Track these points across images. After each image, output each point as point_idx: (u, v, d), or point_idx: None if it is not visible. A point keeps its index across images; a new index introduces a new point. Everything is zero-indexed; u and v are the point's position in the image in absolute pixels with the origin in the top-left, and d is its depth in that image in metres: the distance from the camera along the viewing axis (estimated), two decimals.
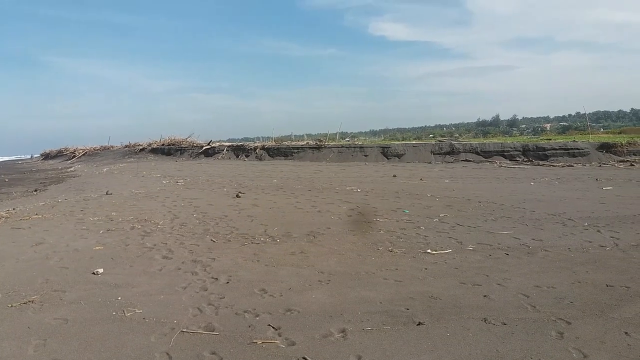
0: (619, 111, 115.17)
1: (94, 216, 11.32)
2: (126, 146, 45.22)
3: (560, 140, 30.51)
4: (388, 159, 30.25)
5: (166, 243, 8.38)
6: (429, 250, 7.60)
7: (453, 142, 32.73)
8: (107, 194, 15.83)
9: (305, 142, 38.05)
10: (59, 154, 52.64)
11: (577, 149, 27.09)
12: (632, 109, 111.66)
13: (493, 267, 6.66)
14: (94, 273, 6.58)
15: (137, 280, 6.25)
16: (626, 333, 4.35)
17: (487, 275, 6.23)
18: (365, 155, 31.04)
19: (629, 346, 4.11)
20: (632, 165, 23.60)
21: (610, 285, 5.76)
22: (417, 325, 4.64)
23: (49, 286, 6.05)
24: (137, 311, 5.12)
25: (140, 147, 42.25)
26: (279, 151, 34.55)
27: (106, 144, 48.66)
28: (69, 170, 34.78)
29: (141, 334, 4.54)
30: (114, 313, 5.10)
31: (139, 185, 19.07)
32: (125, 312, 5.11)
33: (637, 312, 4.87)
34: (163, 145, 41.36)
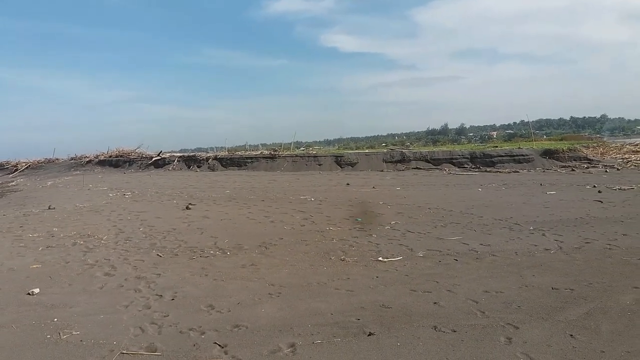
0: (560, 119, 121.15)
1: (34, 232, 10.73)
2: (72, 159, 43.36)
3: (506, 147, 31.53)
4: (342, 167, 30.35)
5: (109, 259, 8.01)
6: (380, 258, 7.59)
7: (404, 150, 33.20)
8: (49, 208, 15.07)
9: (259, 152, 37.60)
10: None
11: (522, 155, 28.06)
12: (571, 117, 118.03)
13: (443, 273, 6.71)
14: (29, 293, 6.19)
15: (76, 300, 5.91)
16: (571, 335, 4.44)
17: (437, 282, 6.26)
18: (320, 165, 31.04)
19: (574, 348, 4.18)
20: (573, 170, 24.63)
21: (555, 288, 5.89)
22: (368, 335, 4.58)
23: None
24: (74, 333, 4.82)
25: (87, 159, 40.62)
26: (232, 161, 34.00)
27: (51, 157, 46.46)
28: (10, 184, 32.97)
29: (77, 358, 4.27)
30: (49, 336, 4.78)
31: (85, 198, 18.28)
32: (61, 334, 4.80)
33: (581, 314, 4.99)
34: (111, 157, 39.92)
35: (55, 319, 5.24)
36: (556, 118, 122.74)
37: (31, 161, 46.02)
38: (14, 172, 43.86)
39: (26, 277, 7.04)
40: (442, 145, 48.69)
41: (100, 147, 48.25)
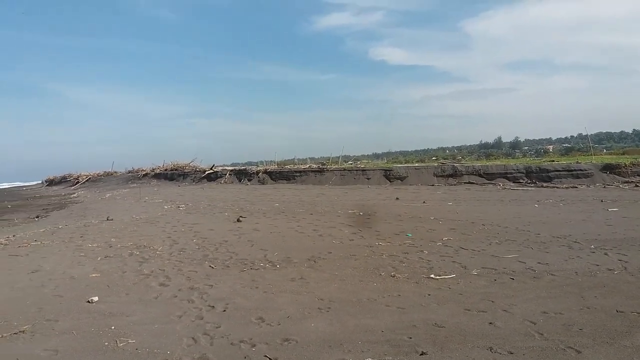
0: (621, 132, 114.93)
1: (93, 242, 11.20)
2: (130, 172, 45.36)
3: (564, 162, 30.30)
4: (390, 181, 30.10)
5: (164, 270, 8.23)
6: (432, 275, 7.42)
7: (456, 164, 32.56)
8: (107, 219, 15.74)
9: (307, 165, 37.97)
10: (62, 180, 52.79)
11: (581, 170, 26.89)
12: (634, 129, 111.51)
13: (498, 292, 6.47)
14: (88, 301, 6.44)
15: (132, 309, 6.09)
16: None
17: (492, 301, 6.05)
18: (368, 178, 30.89)
19: None
20: (636, 186, 23.36)
21: (621, 310, 5.56)
22: (420, 355, 4.46)
23: (42, 315, 5.91)
24: (130, 341, 4.96)
25: (144, 173, 42.33)
26: (282, 175, 34.45)
27: (110, 170, 48.77)
28: (72, 196, 34.80)
29: None
30: (106, 343, 4.94)
31: (141, 210, 18.98)
32: (117, 342, 4.95)
33: None
34: (166, 170, 41.42)
35: (113, 327, 5.42)
36: (617, 131, 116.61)
37: (91, 174, 48.47)
38: (75, 184, 46.28)
39: (86, 286, 7.33)
40: (495, 159, 47.40)
41: (155, 161, 50.23)
